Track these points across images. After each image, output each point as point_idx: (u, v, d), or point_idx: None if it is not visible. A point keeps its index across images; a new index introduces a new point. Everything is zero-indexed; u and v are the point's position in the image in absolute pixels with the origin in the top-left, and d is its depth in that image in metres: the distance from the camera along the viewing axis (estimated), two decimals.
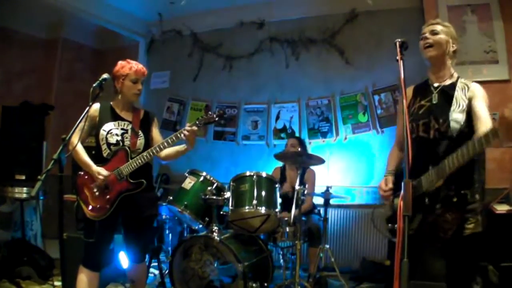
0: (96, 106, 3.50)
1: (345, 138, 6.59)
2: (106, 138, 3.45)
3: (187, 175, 4.55)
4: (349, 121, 6.59)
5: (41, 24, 7.49)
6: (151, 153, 3.41)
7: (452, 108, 2.60)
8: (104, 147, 3.45)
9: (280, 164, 5.78)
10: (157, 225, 5.42)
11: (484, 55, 5.28)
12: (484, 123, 2.46)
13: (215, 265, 4.11)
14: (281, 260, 4.81)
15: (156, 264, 4.94)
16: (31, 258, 5.02)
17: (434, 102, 2.70)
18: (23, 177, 5.44)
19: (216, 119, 3.48)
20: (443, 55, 2.72)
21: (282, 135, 6.99)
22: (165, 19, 7.79)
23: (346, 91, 6.67)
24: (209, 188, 4.34)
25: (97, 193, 3.41)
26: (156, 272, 5.09)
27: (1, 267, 4.87)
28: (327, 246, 5.08)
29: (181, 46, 7.83)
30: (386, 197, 2.86)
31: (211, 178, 4.48)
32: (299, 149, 5.25)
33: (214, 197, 4.25)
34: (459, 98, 2.63)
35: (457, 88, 2.68)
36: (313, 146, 6.69)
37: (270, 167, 5.91)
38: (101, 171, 3.36)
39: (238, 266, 3.93)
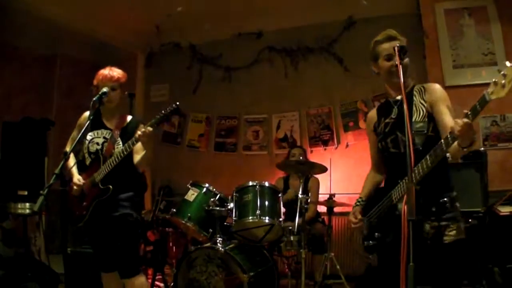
0: (85, 114, 3.58)
1: (347, 146, 6.59)
2: (88, 147, 3.49)
3: (189, 187, 4.54)
4: (350, 129, 6.59)
5: (40, 40, 7.49)
6: (117, 158, 3.33)
7: (413, 119, 2.49)
8: (86, 156, 3.51)
9: (281, 174, 5.78)
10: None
11: (483, 58, 5.31)
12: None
13: (220, 276, 4.08)
14: (286, 270, 4.80)
15: (160, 277, 4.93)
16: (36, 274, 4.99)
17: (394, 116, 2.64)
18: (25, 193, 5.41)
19: (168, 112, 3.49)
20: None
21: (284, 144, 6.99)
22: (163, 32, 7.77)
23: (346, 99, 6.68)
24: (212, 199, 4.33)
25: (76, 201, 3.47)
26: (162, 285, 5.08)
27: (7, 283, 4.86)
28: (332, 254, 5.06)
29: (179, 58, 7.84)
30: (357, 228, 2.83)
31: (214, 189, 4.48)
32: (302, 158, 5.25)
33: (218, 208, 4.26)
34: (418, 104, 2.54)
35: (413, 94, 2.61)
36: (315, 154, 6.67)
37: (272, 177, 5.89)
38: (76, 181, 3.42)
39: (243, 276, 3.92)
